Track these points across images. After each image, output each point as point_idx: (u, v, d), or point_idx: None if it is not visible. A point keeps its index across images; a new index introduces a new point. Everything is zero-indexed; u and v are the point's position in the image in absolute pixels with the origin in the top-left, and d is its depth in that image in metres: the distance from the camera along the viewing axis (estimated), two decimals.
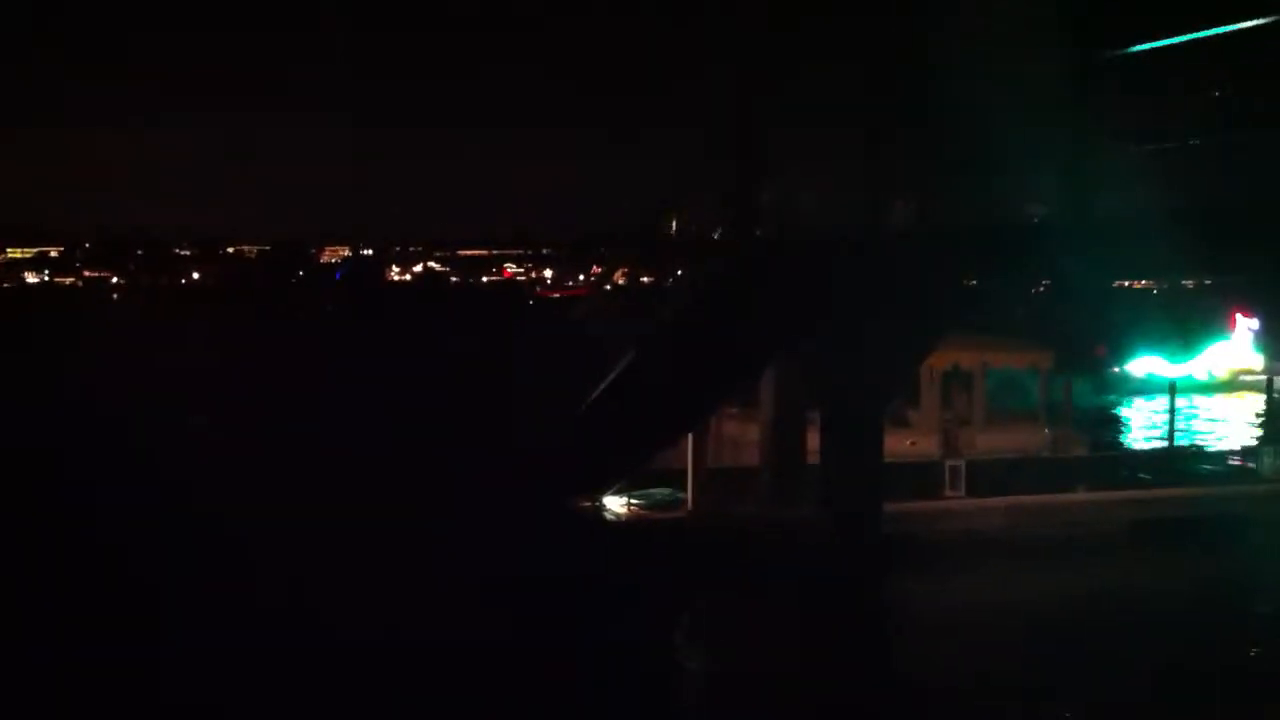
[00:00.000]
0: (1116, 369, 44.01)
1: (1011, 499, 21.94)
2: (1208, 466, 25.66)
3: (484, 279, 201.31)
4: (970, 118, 18.56)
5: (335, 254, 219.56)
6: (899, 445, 23.04)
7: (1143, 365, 45.03)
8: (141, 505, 23.38)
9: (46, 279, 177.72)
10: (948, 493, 21.76)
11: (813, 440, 20.84)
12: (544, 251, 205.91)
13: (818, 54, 21.54)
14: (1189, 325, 48.59)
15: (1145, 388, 42.45)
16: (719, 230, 23.77)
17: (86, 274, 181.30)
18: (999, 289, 27.05)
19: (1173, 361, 40.41)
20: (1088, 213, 18.21)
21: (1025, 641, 16.91)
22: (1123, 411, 39.95)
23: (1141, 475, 24.17)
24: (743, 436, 23.44)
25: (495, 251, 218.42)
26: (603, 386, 20.88)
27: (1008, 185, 19.61)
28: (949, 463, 22.05)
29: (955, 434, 23.33)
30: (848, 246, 19.55)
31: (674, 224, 24.82)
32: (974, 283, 23.14)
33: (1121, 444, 33.29)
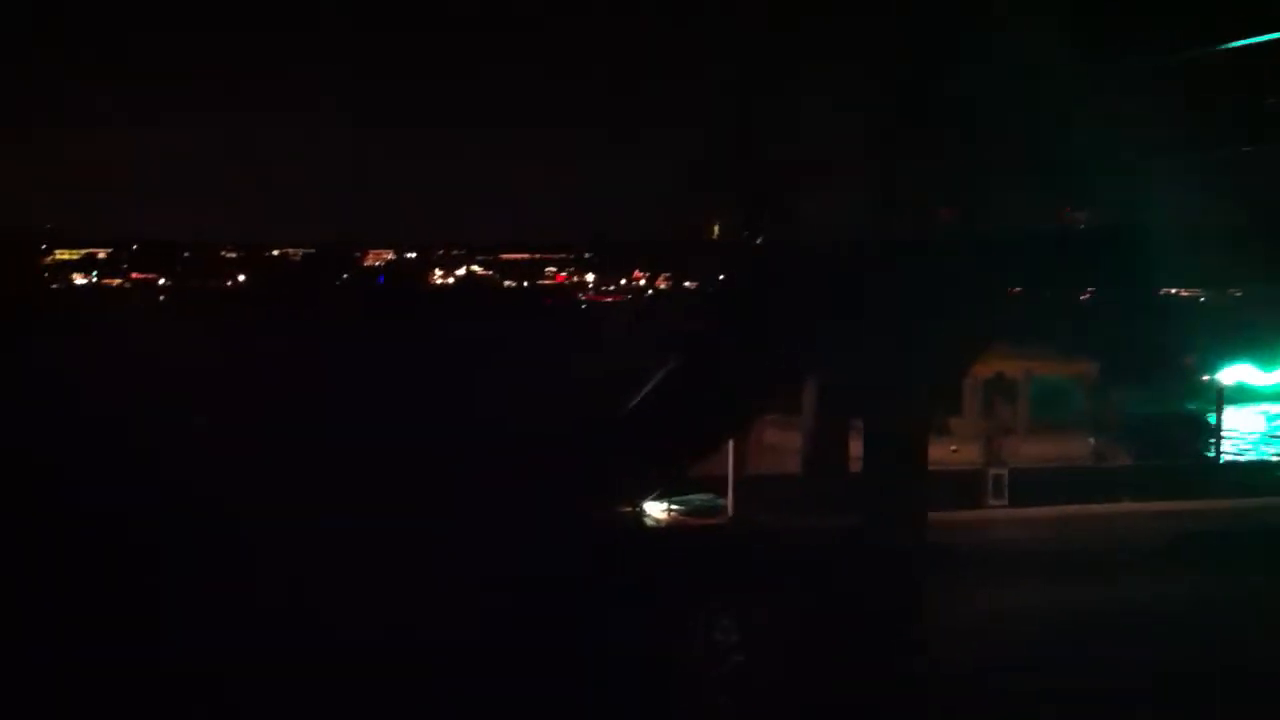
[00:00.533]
0: (1205, 377, 43.16)
1: (1055, 508, 21.76)
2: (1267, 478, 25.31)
3: (525, 283, 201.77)
4: (1016, 122, 18.45)
5: (379, 257, 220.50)
6: (942, 453, 22.89)
7: (1233, 374, 43.82)
8: (200, 503, 23.42)
9: (94, 280, 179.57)
10: (990, 501, 21.62)
11: (855, 447, 20.76)
12: (585, 255, 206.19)
13: (849, 57, 21.47)
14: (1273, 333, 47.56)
15: (1238, 396, 41.60)
16: (758, 237, 23.74)
17: (134, 275, 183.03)
18: (1044, 297, 26.87)
19: (1264, 370, 39.49)
20: (1137, 219, 18.06)
21: (1065, 650, 16.76)
22: (1204, 421, 39.33)
23: (1191, 487, 23.87)
24: (784, 443, 23.38)
25: (537, 255, 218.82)
26: (644, 392, 20.91)
27: (1053, 191, 19.47)
28: (992, 471, 21.90)
29: (998, 442, 23.18)
30: (889, 253, 19.47)
31: (715, 230, 24.82)
32: (1019, 290, 22.98)
33: (1174, 455, 32.91)
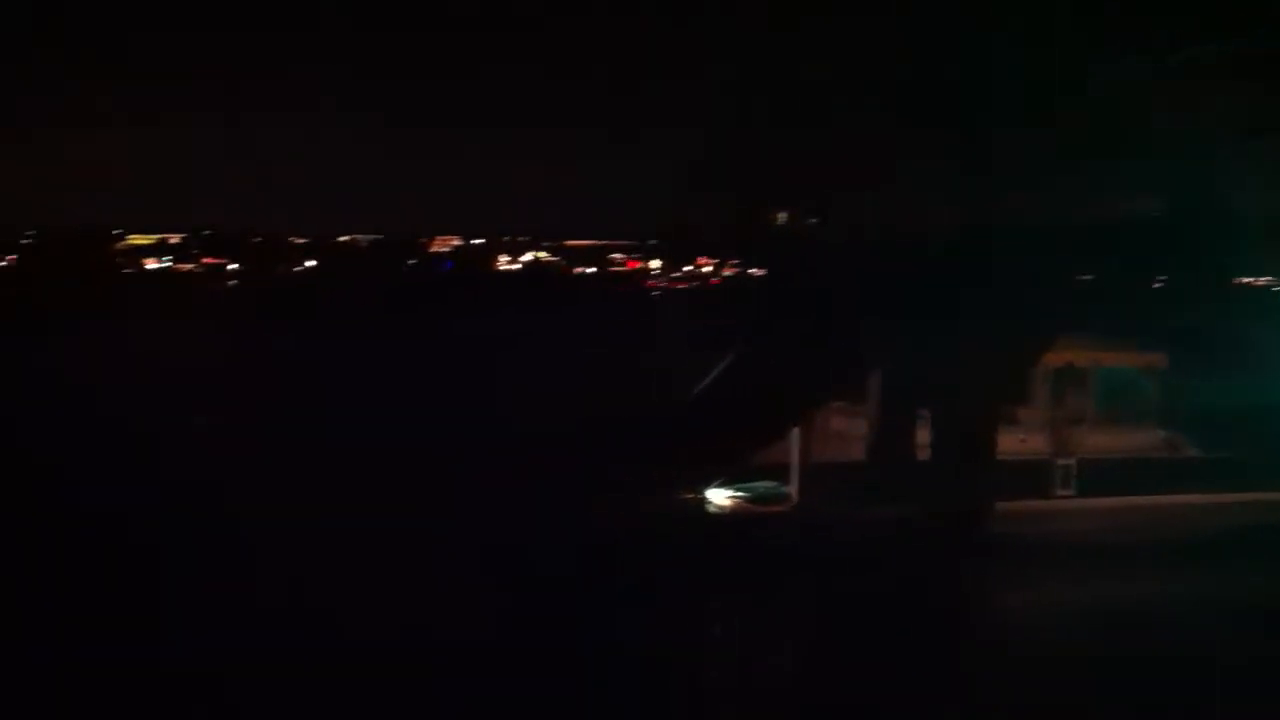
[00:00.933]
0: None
1: (1122, 499, 21.60)
2: None
3: (591, 269, 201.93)
4: (1085, 109, 18.27)
5: (445, 243, 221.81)
6: (1010, 443, 22.81)
7: None
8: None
9: (167, 264, 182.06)
10: (1058, 492, 21.50)
11: (922, 436, 20.74)
12: (650, 242, 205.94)
13: (920, 50, 21.38)
14: None
15: None
16: (824, 225, 23.72)
17: (205, 261, 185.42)
18: (1114, 286, 26.60)
19: None
20: (1210, 207, 17.84)
21: (1131, 642, 16.66)
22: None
23: (1262, 479, 23.59)
24: (849, 431, 23.39)
25: (602, 242, 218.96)
26: (711, 378, 20.99)
27: (1123, 181, 19.27)
28: (1060, 461, 21.79)
29: (1067, 433, 23.04)
30: (958, 242, 19.40)
31: (779, 218, 24.81)
32: (1089, 279, 22.82)
33: (1246, 447, 32.34)
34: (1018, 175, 20.40)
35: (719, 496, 21.13)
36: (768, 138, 23.41)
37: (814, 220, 24.06)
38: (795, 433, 21.24)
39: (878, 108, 21.49)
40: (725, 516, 20.76)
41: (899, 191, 21.73)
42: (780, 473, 21.42)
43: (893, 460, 21.11)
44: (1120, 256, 20.07)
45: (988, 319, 19.20)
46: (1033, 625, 17.75)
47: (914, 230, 20.85)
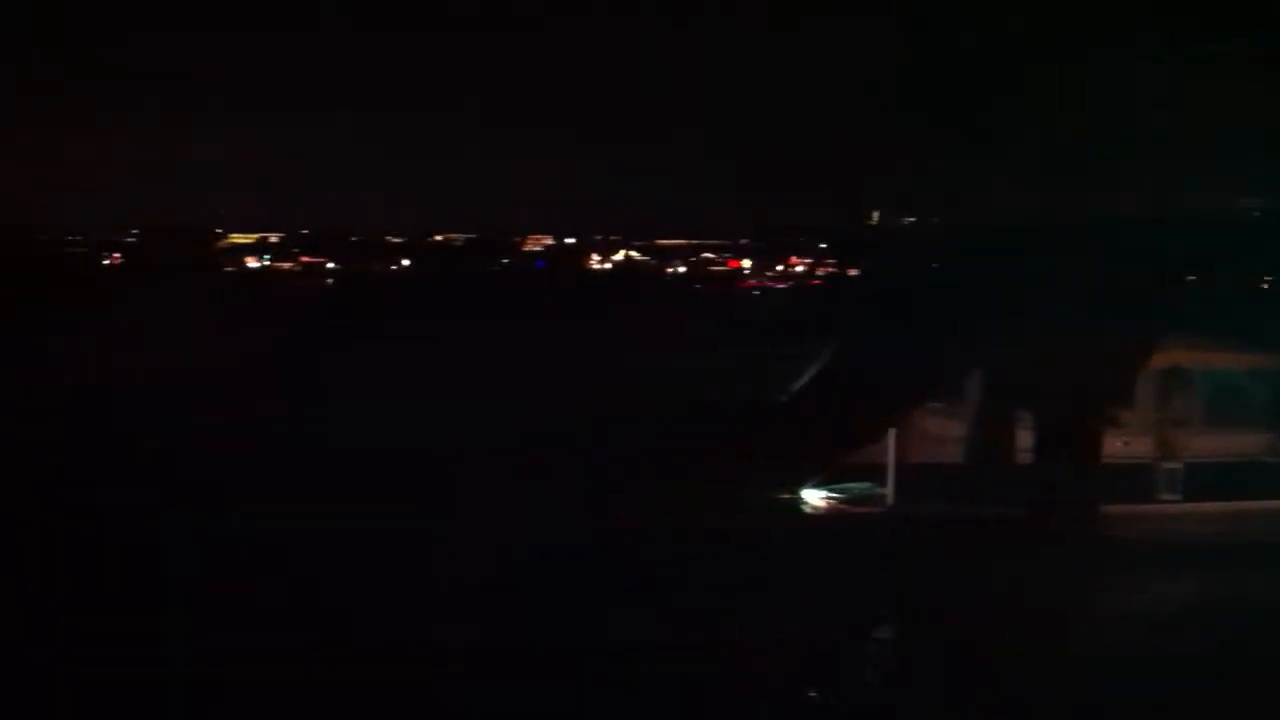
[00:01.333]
0: None
1: (1230, 504, 21.05)
2: None
3: (681, 268, 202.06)
4: (1179, 108, 17.80)
5: (538, 242, 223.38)
6: (1112, 446, 22.33)
7: None
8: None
9: (266, 263, 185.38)
10: (1163, 496, 21.02)
11: (1021, 438, 20.40)
12: (741, 241, 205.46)
13: (1020, 49, 21.00)
14: None
15: None
16: (923, 223, 23.43)
17: (303, 259, 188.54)
18: (1222, 285, 25.98)
19: None
20: None
21: (1236, 648, 16.20)
22: None
23: None
24: (946, 433, 23.06)
25: (693, 241, 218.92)
26: (806, 378, 20.83)
27: (1230, 179, 18.76)
28: (1165, 465, 21.28)
29: (1172, 435, 22.48)
30: (1063, 240, 19.05)
31: (875, 216, 24.55)
32: (1196, 278, 22.29)
33: None
34: (1121, 172, 19.97)
35: (813, 497, 20.95)
36: (863, 137, 23.18)
37: (911, 219, 23.77)
38: (890, 434, 20.97)
39: (977, 106, 21.16)
40: (823, 516, 20.57)
41: (999, 189, 21.39)
42: (875, 474, 21.16)
43: (992, 462, 20.77)
44: (1227, 255, 19.52)
45: (1092, 318, 18.80)
46: (1145, 628, 17.32)
47: (1016, 228, 20.50)
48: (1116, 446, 22.50)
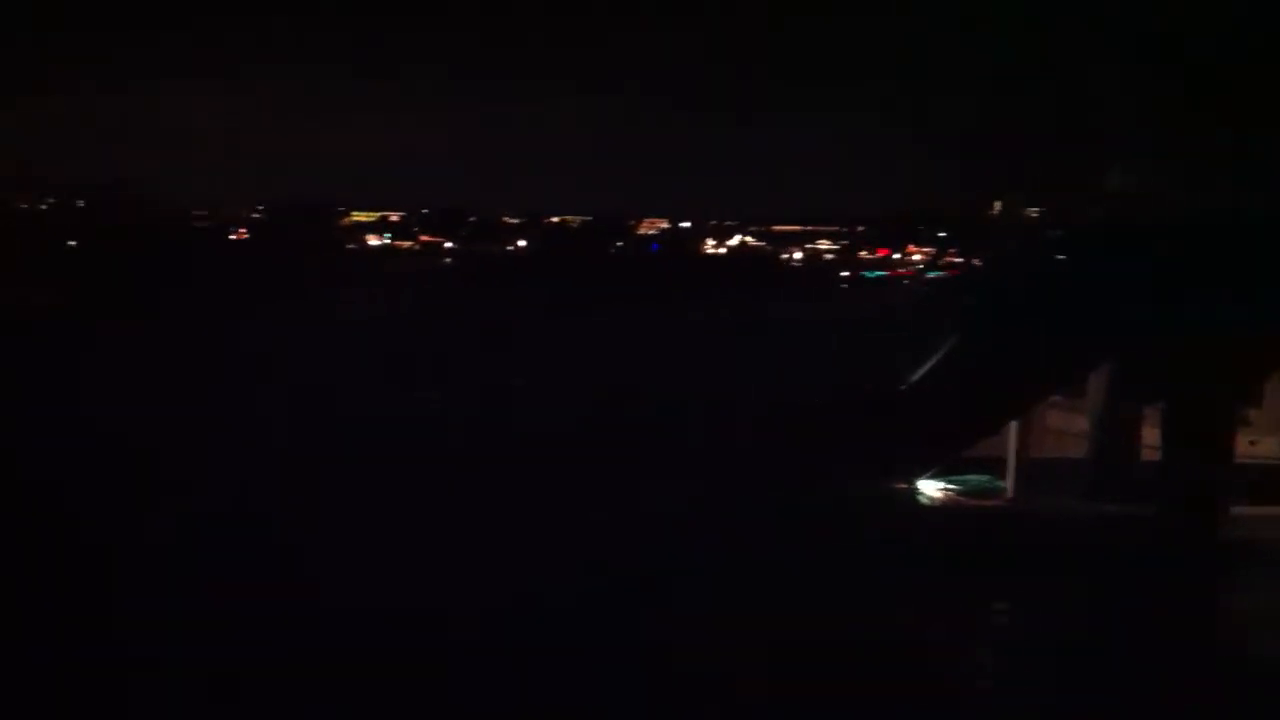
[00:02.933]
0: None
1: None
2: None
3: (798, 254, 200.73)
4: None
5: (653, 225, 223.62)
6: (1239, 445, 21.83)
7: None
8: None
9: (387, 241, 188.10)
10: None
11: (1147, 435, 20.06)
12: (858, 229, 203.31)
13: (1171, 29, 20.58)
14: None
15: None
16: (1049, 213, 23.09)
17: (422, 238, 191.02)
18: None
19: None
20: None
21: None
22: None
23: None
24: (1068, 427, 22.73)
25: (810, 228, 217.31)
26: (926, 368, 20.67)
27: None
28: None
29: None
30: (1198, 231, 18.65)
31: (1000, 205, 24.22)
32: None
33: None
34: (1263, 165, 19.48)
35: (931, 488, 20.81)
36: (994, 122, 22.90)
37: (1039, 208, 23.43)
38: (1011, 427, 20.73)
39: (1115, 90, 20.79)
40: (945, 508, 20.42)
41: (1130, 179, 20.98)
42: (994, 467, 20.94)
43: (1117, 458, 20.43)
44: None
45: (1222, 314, 18.39)
46: (1265, 630, 16.97)
47: (1146, 220, 20.10)
48: (1242, 446, 22.00)
